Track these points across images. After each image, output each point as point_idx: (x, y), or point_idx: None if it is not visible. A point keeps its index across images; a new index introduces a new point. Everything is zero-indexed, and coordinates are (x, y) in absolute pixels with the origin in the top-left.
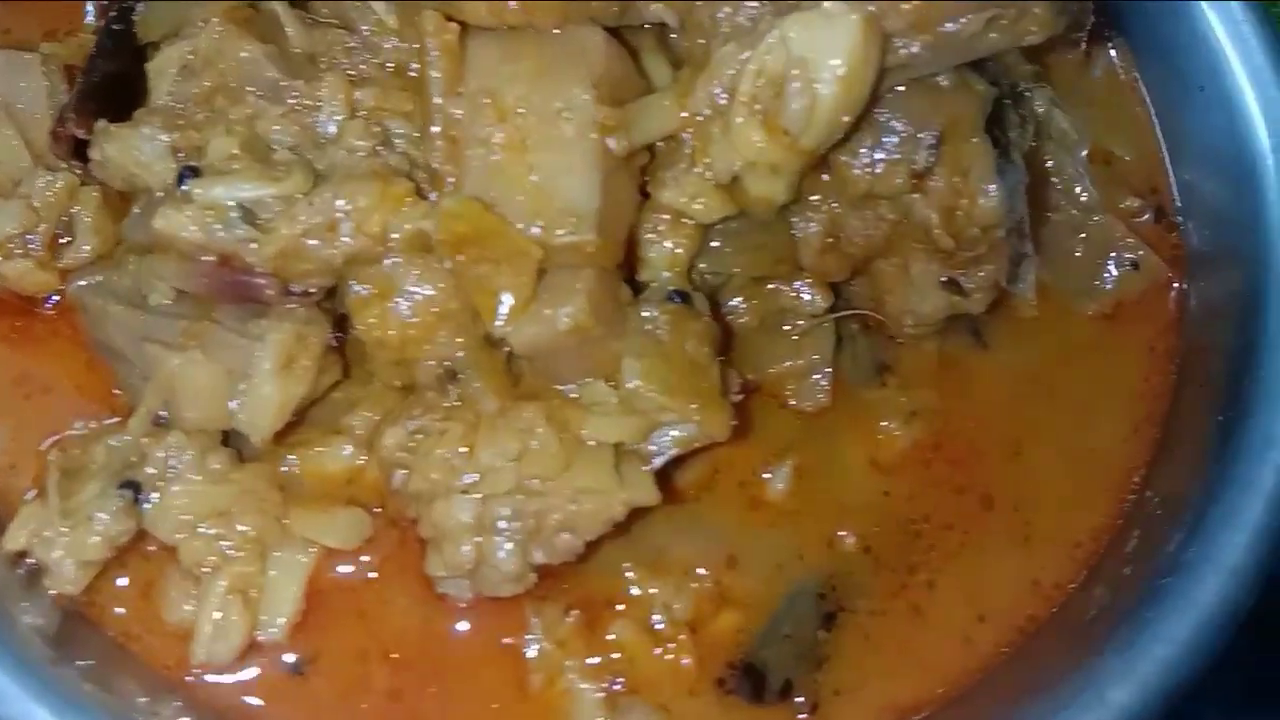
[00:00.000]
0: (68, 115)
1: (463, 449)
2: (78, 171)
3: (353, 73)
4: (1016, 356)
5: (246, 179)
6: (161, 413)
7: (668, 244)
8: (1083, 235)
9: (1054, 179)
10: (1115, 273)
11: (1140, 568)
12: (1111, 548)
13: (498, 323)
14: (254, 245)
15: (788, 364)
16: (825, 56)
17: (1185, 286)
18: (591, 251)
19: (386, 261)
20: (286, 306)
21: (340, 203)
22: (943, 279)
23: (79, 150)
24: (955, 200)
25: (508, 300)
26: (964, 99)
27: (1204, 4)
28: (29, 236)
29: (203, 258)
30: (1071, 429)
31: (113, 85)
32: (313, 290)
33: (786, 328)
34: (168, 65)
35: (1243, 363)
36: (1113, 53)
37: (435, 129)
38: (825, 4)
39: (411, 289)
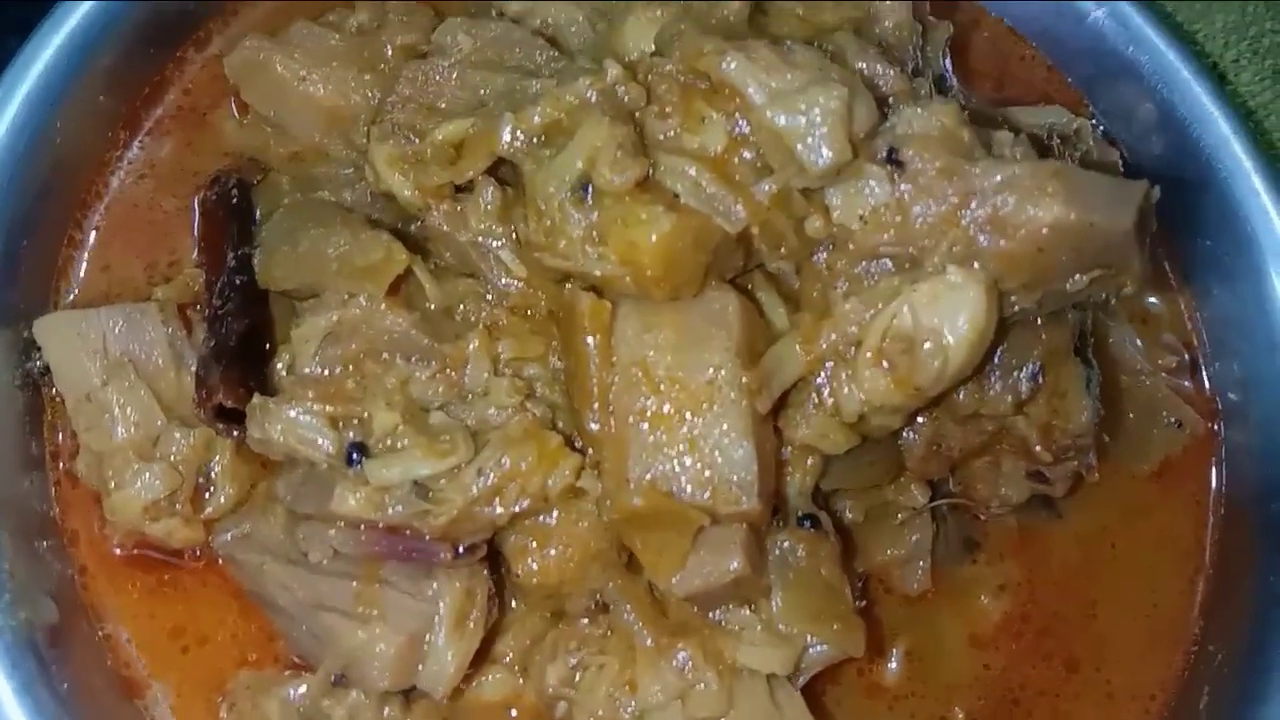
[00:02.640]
0: (213, 385)
1: (624, 683)
2: (219, 430)
3: (488, 322)
4: (1084, 521)
5: (418, 457)
6: (336, 670)
7: (797, 475)
8: (1134, 398)
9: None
10: (1161, 432)
11: None
12: (1183, 702)
13: (662, 579)
14: (428, 517)
15: (890, 553)
16: (953, 322)
17: (1222, 440)
18: (754, 515)
19: (542, 515)
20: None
21: (503, 469)
22: (1030, 470)
23: (222, 413)
24: (1052, 418)
25: (670, 557)
26: (1058, 329)
27: (1232, 181)
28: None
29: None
30: (1137, 586)
31: (247, 342)
32: (479, 546)
33: (888, 520)
34: (312, 334)
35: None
36: None
37: (594, 405)
38: (949, 275)
39: (566, 535)
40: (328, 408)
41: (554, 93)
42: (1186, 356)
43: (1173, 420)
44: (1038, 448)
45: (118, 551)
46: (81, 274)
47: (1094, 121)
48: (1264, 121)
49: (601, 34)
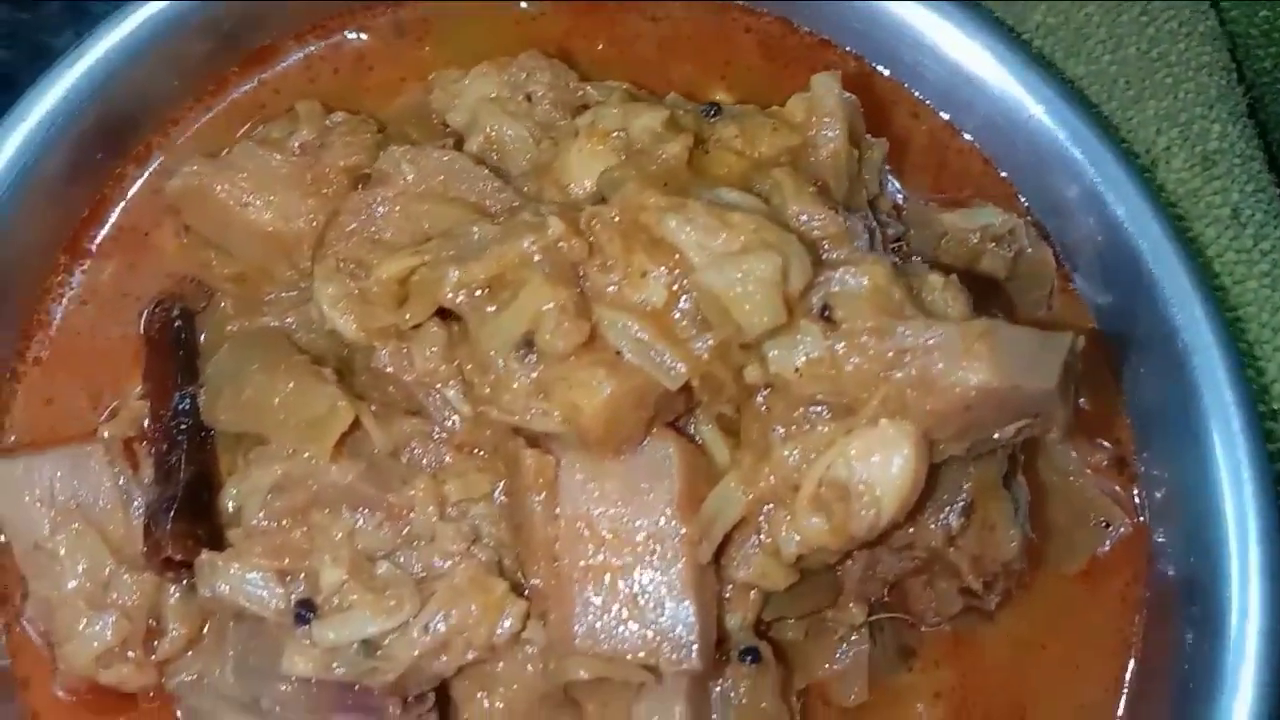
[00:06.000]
0: (160, 539)
1: None
2: (168, 577)
3: (434, 462)
4: (1015, 624)
5: (365, 616)
6: None
7: (739, 613)
8: (1063, 499)
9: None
10: (1089, 532)
11: None
12: None
13: None
14: (376, 674)
15: (829, 667)
16: (885, 475)
17: (1148, 539)
18: (696, 672)
19: (489, 662)
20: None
21: (450, 623)
22: (963, 587)
23: (171, 563)
24: (982, 550)
25: (614, 712)
26: (988, 466)
27: (1162, 280)
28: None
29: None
30: (1065, 687)
31: (194, 489)
32: (426, 696)
33: (826, 635)
34: (257, 487)
35: (1203, 613)
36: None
37: (539, 560)
38: (882, 429)
39: (514, 680)
40: (275, 562)
41: (497, 250)
42: (1116, 454)
43: (1100, 520)
44: (969, 577)
45: (69, 697)
46: (24, 409)
47: (1028, 218)
48: (1193, 208)
49: (546, 154)
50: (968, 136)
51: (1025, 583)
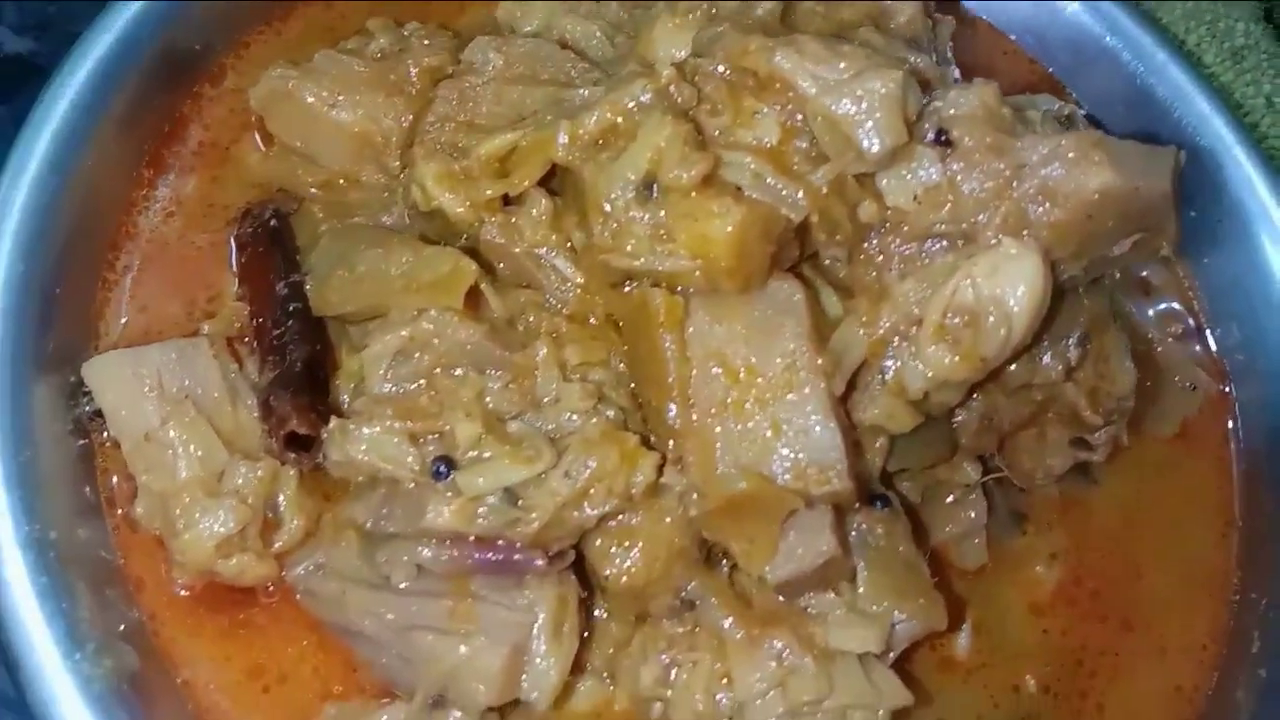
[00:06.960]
0: (284, 412)
1: (720, 677)
2: (288, 459)
3: (549, 330)
4: (1119, 486)
5: (505, 465)
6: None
7: (868, 457)
8: (1149, 364)
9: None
10: (1178, 395)
11: (1275, 671)
12: (1234, 649)
13: (756, 569)
14: (520, 525)
15: (949, 530)
16: (1014, 291)
17: (1234, 399)
18: (844, 495)
19: (625, 516)
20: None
21: (588, 471)
22: (1073, 439)
23: (292, 441)
24: (1098, 382)
25: (762, 545)
26: (1098, 296)
27: (1216, 155)
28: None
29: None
30: (1175, 544)
31: (311, 368)
32: (567, 552)
33: (942, 499)
34: (383, 353)
35: None
36: None
37: (674, 400)
38: (1006, 247)
39: (650, 534)
40: (407, 424)
41: (610, 97)
42: (1191, 322)
43: (1187, 383)
44: (1086, 412)
45: (186, 594)
46: (120, 315)
47: (1082, 110)
48: (1228, 100)
49: (622, 46)
50: (1013, 38)
51: (1127, 441)
